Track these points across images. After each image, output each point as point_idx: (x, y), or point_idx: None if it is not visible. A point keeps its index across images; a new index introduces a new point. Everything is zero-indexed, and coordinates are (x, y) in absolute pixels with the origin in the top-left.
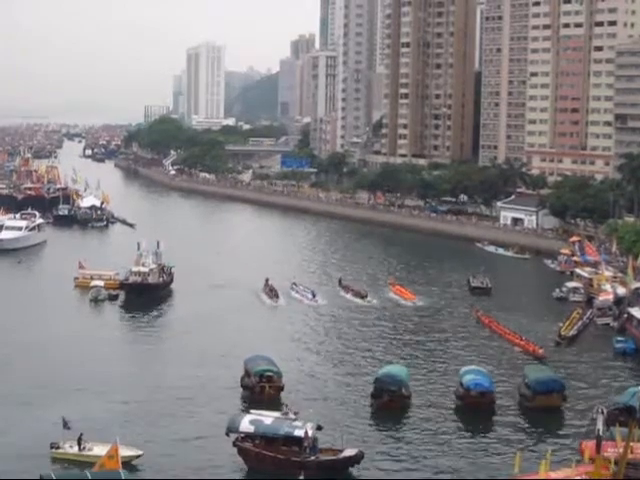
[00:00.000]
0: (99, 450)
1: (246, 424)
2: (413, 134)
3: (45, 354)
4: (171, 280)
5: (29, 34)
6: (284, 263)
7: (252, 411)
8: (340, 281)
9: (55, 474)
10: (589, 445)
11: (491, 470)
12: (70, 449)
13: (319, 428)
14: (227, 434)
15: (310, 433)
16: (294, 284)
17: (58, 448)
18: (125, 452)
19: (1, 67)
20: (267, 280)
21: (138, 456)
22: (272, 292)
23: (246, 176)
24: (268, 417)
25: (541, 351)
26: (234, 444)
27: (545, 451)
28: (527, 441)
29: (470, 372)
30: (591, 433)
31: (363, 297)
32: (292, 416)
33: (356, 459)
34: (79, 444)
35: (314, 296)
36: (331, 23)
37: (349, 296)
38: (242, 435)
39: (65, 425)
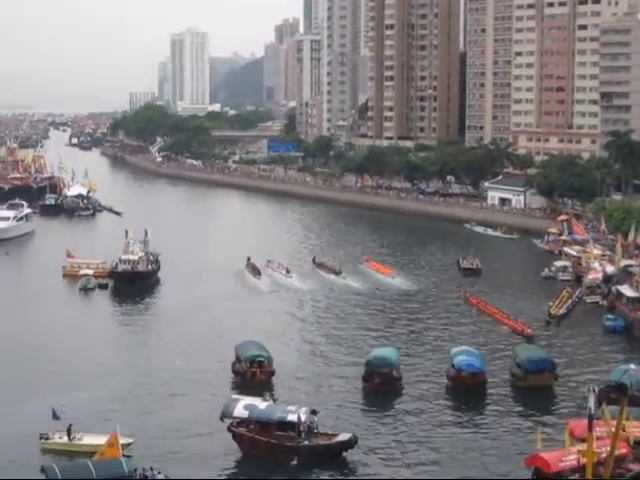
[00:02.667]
0: (89, 440)
1: (240, 409)
2: (399, 116)
3: (35, 344)
4: (158, 268)
5: (10, 25)
6: (270, 246)
7: (234, 395)
8: (314, 259)
9: (57, 466)
10: (577, 424)
11: (485, 450)
12: (60, 439)
13: (314, 412)
14: (221, 419)
15: (303, 418)
16: (269, 261)
17: (48, 439)
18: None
19: None
20: (249, 259)
21: (129, 444)
22: (254, 270)
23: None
24: (260, 402)
25: (530, 330)
26: (228, 429)
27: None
28: (520, 420)
29: (461, 353)
30: (581, 411)
31: (337, 273)
32: (270, 402)
33: (350, 443)
34: (69, 434)
35: (288, 272)
36: (315, 7)
37: (323, 273)
38: (237, 420)
39: (54, 415)
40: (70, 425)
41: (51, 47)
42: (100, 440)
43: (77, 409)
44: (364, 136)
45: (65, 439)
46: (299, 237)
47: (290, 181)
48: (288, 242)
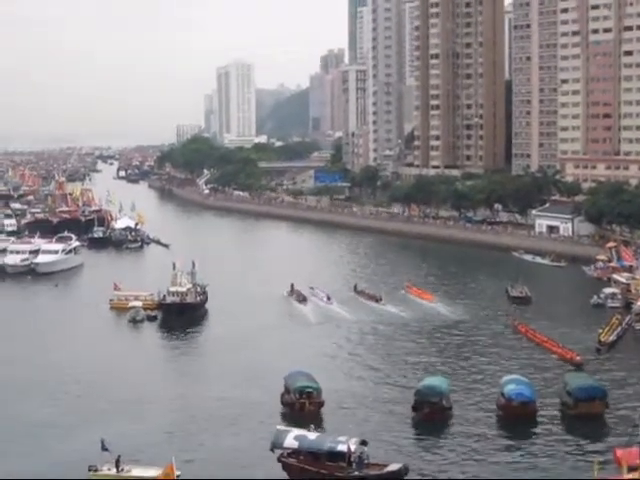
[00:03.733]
0: (138, 471)
1: (290, 440)
2: (445, 145)
3: (84, 375)
4: (206, 299)
5: (60, 60)
6: (315, 275)
7: (279, 427)
8: (355, 287)
9: None
10: (624, 452)
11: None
12: (108, 471)
13: (364, 443)
14: (272, 450)
15: (353, 448)
16: (311, 288)
17: (96, 470)
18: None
19: (34, 96)
20: (292, 285)
21: (177, 476)
22: (300, 297)
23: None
24: (310, 433)
25: (578, 358)
26: (279, 460)
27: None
28: (572, 449)
29: (512, 382)
30: (633, 439)
31: (377, 300)
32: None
33: (400, 474)
34: (117, 466)
35: (329, 299)
36: (360, 37)
37: (364, 300)
38: (287, 451)
39: (103, 447)
40: (119, 456)
41: (97, 81)
42: (149, 472)
43: (125, 440)
44: (410, 165)
45: (114, 471)
46: (345, 266)
47: (337, 211)
48: (334, 271)
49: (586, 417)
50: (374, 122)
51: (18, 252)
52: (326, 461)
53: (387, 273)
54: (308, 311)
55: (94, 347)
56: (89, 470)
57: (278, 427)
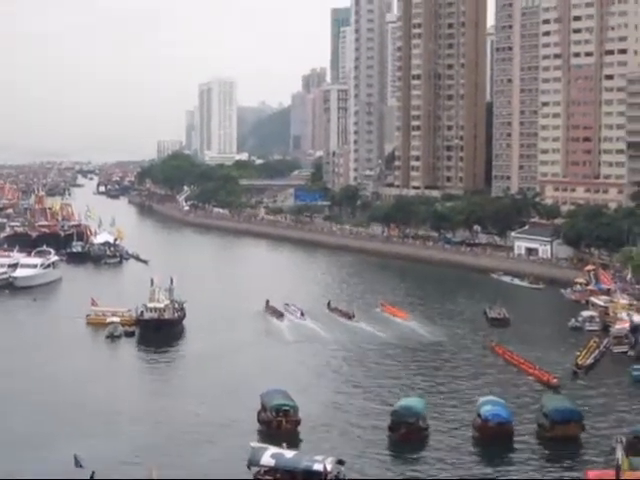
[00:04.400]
0: None
1: (267, 458)
2: (426, 166)
3: (60, 391)
4: (184, 315)
5: (43, 73)
6: (293, 293)
7: (252, 444)
8: (329, 304)
9: None
10: (595, 475)
11: None
12: None
13: (340, 462)
14: (248, 467)
15: (329, 468)
16: (286, 305)
17: None
18: None
19: (16, 108)
20: (267, 302)
21: None
22: (276, 313)
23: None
24: (288, 451)
25: (555, 380)
26: (255, 478)
27: None
28: (547, 471)
29: (488, 402)
30: (609, 462)
31: (350, 317)
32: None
33: None
34: None
35: (302, 315)
36: (342, 57)
37: (337, 317)
38: (264, 469)
39: (77, 463)
40: (93, 472)
41: (79, 95)
42: None
43: (100, 457)
44: (391, 185)
45: None
46: (321, 284)
47: (317, 230)
48: (310, 289)
49: (562, 439)
50: (355, 142)
51: None
52: None
53: (364, 292)
54: (284, 328)
55: (72, 362)
56: None
57: (252, 444)
